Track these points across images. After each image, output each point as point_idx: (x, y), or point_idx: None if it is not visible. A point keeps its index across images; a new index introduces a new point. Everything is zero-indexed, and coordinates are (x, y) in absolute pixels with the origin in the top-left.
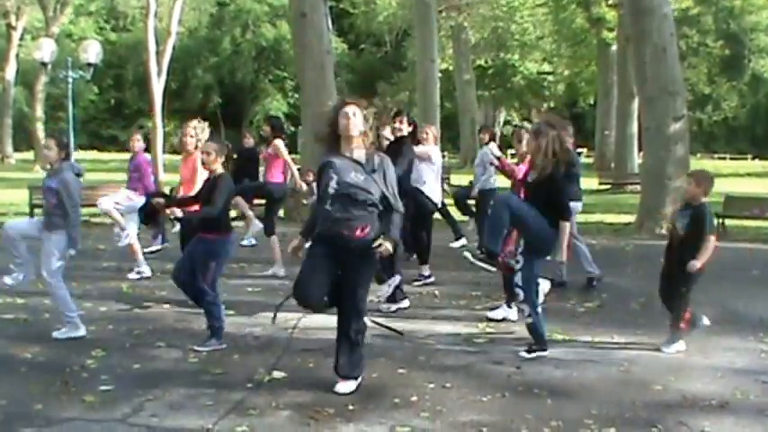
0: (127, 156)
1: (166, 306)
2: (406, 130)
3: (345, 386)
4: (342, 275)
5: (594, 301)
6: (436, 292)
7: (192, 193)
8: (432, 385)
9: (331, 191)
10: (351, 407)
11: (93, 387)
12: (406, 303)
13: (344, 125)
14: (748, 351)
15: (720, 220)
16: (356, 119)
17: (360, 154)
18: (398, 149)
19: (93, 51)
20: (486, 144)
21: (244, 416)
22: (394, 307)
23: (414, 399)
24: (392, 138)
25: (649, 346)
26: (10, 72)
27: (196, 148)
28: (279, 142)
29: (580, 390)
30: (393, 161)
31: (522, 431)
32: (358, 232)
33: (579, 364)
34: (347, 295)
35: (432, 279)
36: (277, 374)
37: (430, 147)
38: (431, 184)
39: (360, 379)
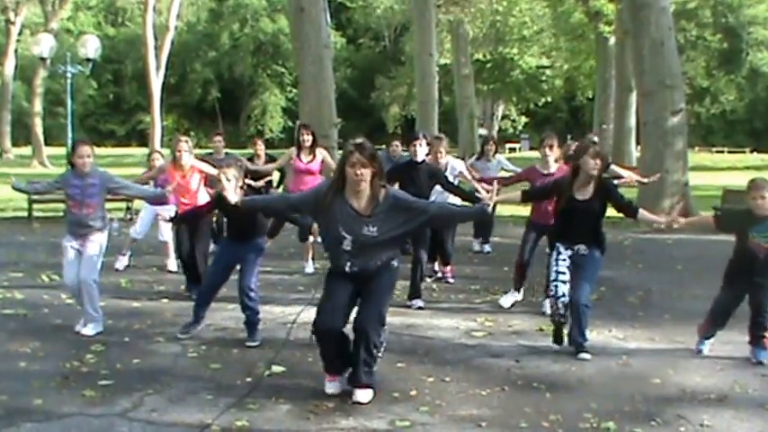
0: (125, 150)
1: (165, 301)
2: (424, 152)
3: (366, 395)
4: (362, 285)
5: (593, 294)
6: (434, 286)
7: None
8: (431, 379)
9: (347, 248)
10: (350, 401)
11: (93, 382)
12: None
13: (352, 178)
14: (747, 345)
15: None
16: (365, 171)
17: (366, 202)
18: (424, 173)
19: (91, 46)
20: (495, 154)
21: (243, 410)
22: None
23: (413, 393)
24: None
25: (647, 339)
26: (9, 67)
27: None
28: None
29: (579, 384)
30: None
31: (522, 425)
32: (378, 264)
33: (578, 358)
34: (369, 303)
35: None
36: (276, 369)
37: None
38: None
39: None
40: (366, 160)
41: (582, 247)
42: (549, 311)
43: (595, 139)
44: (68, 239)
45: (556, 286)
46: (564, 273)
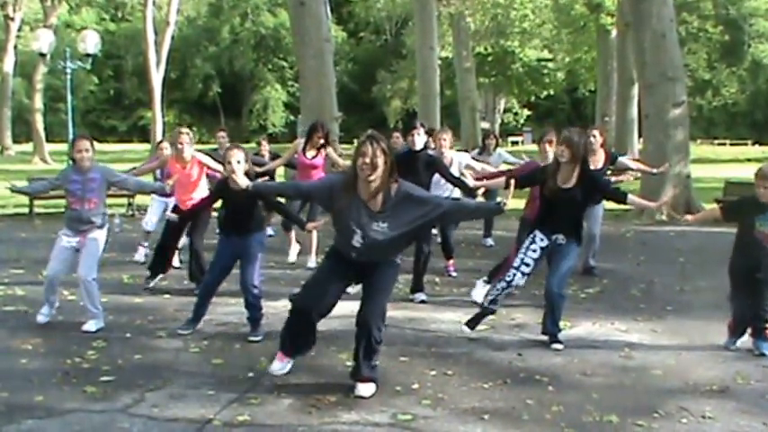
0: (126, 146)
1: (167, 296)
2: (422, 141)
3: (368, 388)
4: (364, 279)
5: (595, 287)
6: (437, 280)
7: (191, 198)
8: (433, 372)
9: (356, 244)
10: (352, 395)
11: (94, 378)
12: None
13: (361, 167)
14: (749, 336)
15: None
16: (378, 161)
17: (377, 197)
18: (423, 162)
19: (91, 42)
20: (495, 148)
21: (245, 405)
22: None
23: (415, 386)
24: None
25: (650, 331)
26: (8, 63)
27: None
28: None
29: (581, 376)
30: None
31: (524, 417)
32: (385, 258)
33: (580, 351)
34: (371, 299)
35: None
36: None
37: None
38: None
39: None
40: (377, 152)
41: (560, 237)
42: (479, 299)
43: (595, 132)
44: (66, 233)
45: (514, 274)
46: (528, 265)
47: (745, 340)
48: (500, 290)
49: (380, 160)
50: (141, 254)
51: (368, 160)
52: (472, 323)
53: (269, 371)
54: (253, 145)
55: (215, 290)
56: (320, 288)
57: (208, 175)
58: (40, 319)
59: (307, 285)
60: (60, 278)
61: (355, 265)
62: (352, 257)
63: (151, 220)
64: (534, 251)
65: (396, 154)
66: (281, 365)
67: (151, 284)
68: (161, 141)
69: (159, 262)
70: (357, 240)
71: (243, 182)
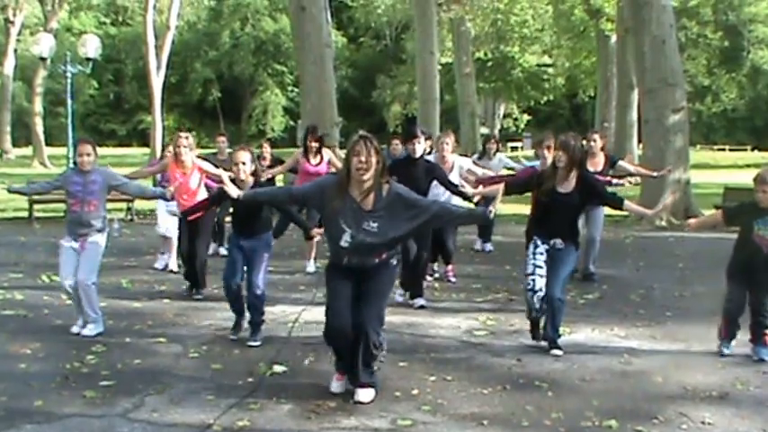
0: (126, 150)
1: (166, 301)
2: (422, 149)
3: (367, 394)
4: (361, 284)
5: (595, 293)
6: (436, 285)
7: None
8: (433, 378)
9: (344, 245)
10: (352, 401)
11: (94, 382)
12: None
13: (355, 167)
14: (748, 342)
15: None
16: (372, 160)
17: (369, 197)
18: (422, 169)
19: (91, 46)
20: (496, 153)
21: (245, 410)
22: None
23: (415, 392)
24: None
25: (649, 337)
26: (8, 67)
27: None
28: (330, 152)
29: (581, 382)
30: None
31: (523, 423)
32: (376, 260)
33: (580, 356)
34: (368, 303)
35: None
36: (278, 368)
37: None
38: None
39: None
40: (371, 151)
41: (558, 242)
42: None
43: (596, 136)
44: (67, 239)
45: (533, 280)
46: (541, 267)
47: (743, 343)
48: (530, 298)
49: (374, 159)
50: (161, 262)
51: (363, 158)
52: (534, 335)
53: (330, 390)
54: (254, 150)
55: (240, 289)
56: (339, 302)
57: (207, 186)
58: (75, 330)
59: (328, 309)
60: (71, 276)
61: (353, 272)
62: (343, 262)
63: (164, 224)
64: (542, 254)
65: (395, 160)
66: (337, 384)
67: (200, 296)
68: (168, 144)
69: (192, 273)
70: (345, 240)
71: (233, 192)
